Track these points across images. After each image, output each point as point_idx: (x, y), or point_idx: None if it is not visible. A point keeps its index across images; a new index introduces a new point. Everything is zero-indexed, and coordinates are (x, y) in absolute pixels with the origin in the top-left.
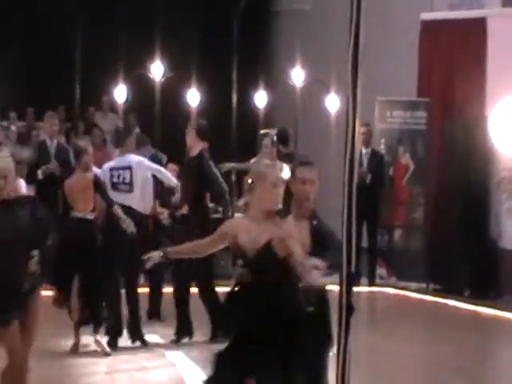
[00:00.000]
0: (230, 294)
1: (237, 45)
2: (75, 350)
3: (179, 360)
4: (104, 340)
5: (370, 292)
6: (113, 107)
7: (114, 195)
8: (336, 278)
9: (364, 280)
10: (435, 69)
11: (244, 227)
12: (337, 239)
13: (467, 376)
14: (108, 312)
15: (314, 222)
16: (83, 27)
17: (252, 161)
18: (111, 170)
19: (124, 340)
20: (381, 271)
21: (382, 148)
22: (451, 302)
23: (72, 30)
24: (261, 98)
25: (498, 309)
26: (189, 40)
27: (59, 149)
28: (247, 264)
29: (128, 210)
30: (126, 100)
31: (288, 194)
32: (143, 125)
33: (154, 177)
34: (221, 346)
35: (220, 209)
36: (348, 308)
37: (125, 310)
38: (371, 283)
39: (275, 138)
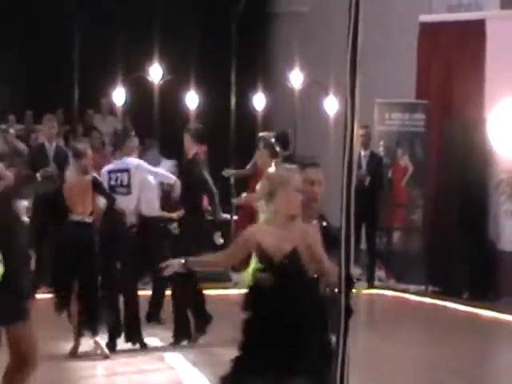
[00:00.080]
0: (249, 296)
1: (235, 47)
2: (74, 353)
3: (178, 363)
4: (103, 342)
5: (369, 294)
6: (112, 110)
7: None
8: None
9: (363, 282)
10: (434, 71)
11: (267, 233)
12: None
13: (466, 378)
14: (107, 315)
15: (324, 223)
16: (82, 27)
17: (247, 167)
18: (109, 172)
19: (123, 343)
20: (380, 273)
21: (380, 150)
22: (450, 304)
23: (71, 30)
24: (259, 101)
25: (497, 311)
26: (187, 41)
27: (58, 152)
28: (272, 269)
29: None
30: (125, 103)
31: None
32: (142, 127)
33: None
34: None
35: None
36: (347, 311)
37: (124, 313)
38: (370, 285)
39: (273, 140)
